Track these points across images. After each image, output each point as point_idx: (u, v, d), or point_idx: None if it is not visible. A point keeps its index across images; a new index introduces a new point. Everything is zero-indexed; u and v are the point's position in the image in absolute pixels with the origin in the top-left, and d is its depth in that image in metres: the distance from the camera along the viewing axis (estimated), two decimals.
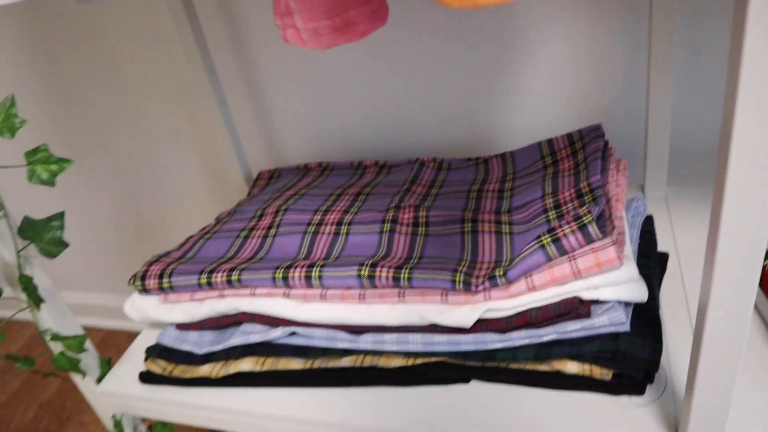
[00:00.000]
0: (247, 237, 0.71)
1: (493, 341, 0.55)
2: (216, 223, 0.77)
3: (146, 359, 0.69)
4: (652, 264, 0.63)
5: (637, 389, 0.54)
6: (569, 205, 0.59)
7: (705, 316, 0.40)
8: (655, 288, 0.60)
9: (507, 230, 0.63)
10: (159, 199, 1.23)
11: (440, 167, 0.81)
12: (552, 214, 0.60)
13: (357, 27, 0.44)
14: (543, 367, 0.56)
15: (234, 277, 0.62)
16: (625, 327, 0.52)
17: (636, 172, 0.89)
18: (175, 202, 1.22)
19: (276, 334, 0.62)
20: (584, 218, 0.52)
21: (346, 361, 0.60)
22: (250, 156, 1.10)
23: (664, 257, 0.68)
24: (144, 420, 0.86)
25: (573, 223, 0.52)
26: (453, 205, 0.70)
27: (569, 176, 0.65)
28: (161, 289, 0.66)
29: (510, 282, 0.53)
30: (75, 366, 0.66)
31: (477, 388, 0.58)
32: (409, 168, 0.81)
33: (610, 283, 0.52)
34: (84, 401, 1.32)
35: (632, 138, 0.87)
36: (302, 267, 0.60)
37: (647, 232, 0.68)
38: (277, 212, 0.73)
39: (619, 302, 0.54)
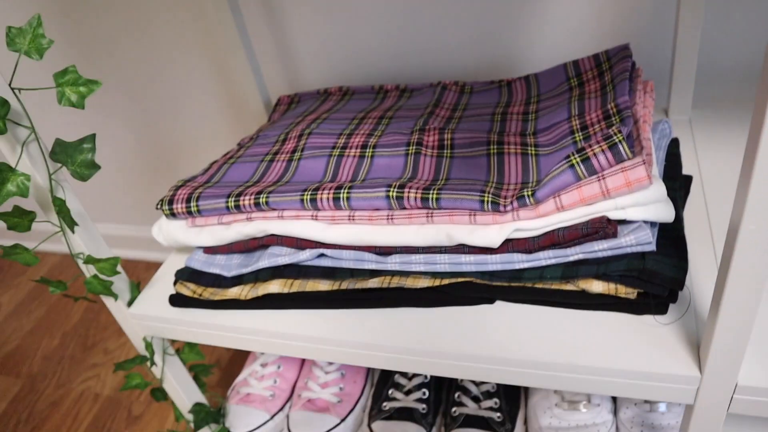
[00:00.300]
0: (271, 161, 0.71)
1: (520, 261, 0.56)
2: (239, 149, 0.77)
3: (176, 282, 0.70)
4: (677, 186, 0.63)
5: (661, 308, 0.55)
6: (596, 126, 0.59)
7: (737, 231, 0.40)
8: (680, 209, 0.61)
9: (533, 152, 0.62)
10: (177, 127, 1.23)
11: (463, 90, 0.80)
12: (579, 136, 0.59)
13: None
14: (568, 287, 0.57)
15: (262, 199, 0.62)
16: (651, 246, 0.53)
17: (660, 95, 0.88)
18: (195, 130, 1.22)
19: (304, 256, 0.62)
20: (614, 137, 0.51)
21: (373, 282, 0.61)
22: (268, 81, 1.09)
23: (688, 179, 0.68)
24: (172, 342, 0.88)
25: (603, 143, 0.52)
26: (478, 127, 0.69)
27: (596, 98, 0.64)
28: (189, 213, 0.67)
29: (539, 202, 0.53)
30: (107, 289, 0.67)
31: (502, 308, 0.59)
32: (431, 91, 0.80)
33: (638, 203, 0.52)
34: (107, 329, 1.35)
35: (659, 59, 0.85)
36: (330, 189, 0.60)
37: (673, 154, 0.68)
38: (300, 136, 0.73)
39: (646, 222, 0.54)
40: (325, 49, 1.01)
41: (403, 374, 0.90)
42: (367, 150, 0.67)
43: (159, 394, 0.83)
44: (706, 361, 0.48)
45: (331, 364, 0.96)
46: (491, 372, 0.57)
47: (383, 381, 0.93)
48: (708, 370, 0.49)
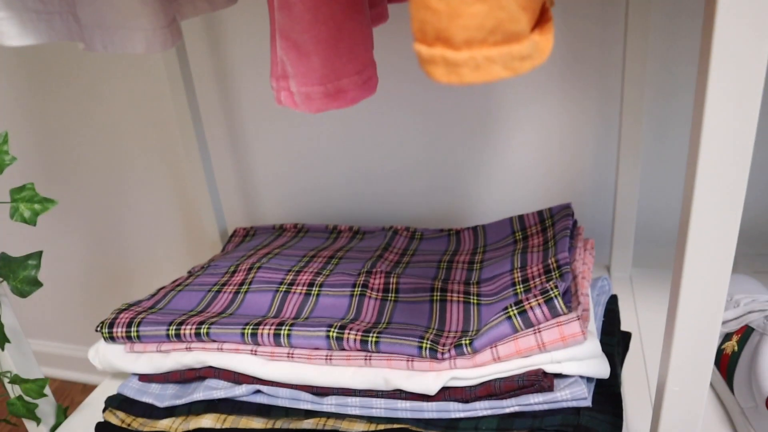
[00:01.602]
0: (218, 292, 0.71)
1: (456, 410, 0.55)
2: (188, 276, 0.77)
3: (105, 409, 0.67)
4: (614, 342, 0.64)
5: None
6: (537, 279, 0.61)
7: (663, 392, 0.41)
8: (617, 365, 0.61)
9: (475, 301, 0.64)
10: (129, 250, 1.22)
11: (413, 236, 0.83)
12: (520, 288, 0.61)
13: (347, 94, 0.46)
14: None
15: (203, 330, 0.62)
16: (587, 402, 0.53)
17: (603, 253, 0.91)
18: (148, 254, 1.22)
19: (240, 392, 0.61)
20: (551, 292, 0.53)
21: (308, 423, 0.60)
22: (227, 212, 1.11)
23: (627, 336, 0.69)
24: None
25: (539, 297, 0.54)
26: (423, 273, 0.71)
27: (538, 252, 0.67)
28: (128, 338, 0.66)
29: (476, 351, 0.54)
30: (31, 412, 0.64)
31: None
32: (383, 235, 0.82)
33: (574, 357, 0.53)
34: None
35: (600, 220, 0.90)
36: (272, 325, 0.60)
37: (611, 310, 0.69)
38: (250, 269, 0.73)
39: (582, 377, 0.55)
40: (283, 187, 1.04)
41: None
42: (314, 288, 0.68)
43: None
44: None
45: None
46: None
47: None
48: None
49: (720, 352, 0.62)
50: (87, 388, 1.46)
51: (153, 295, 0.73)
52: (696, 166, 0.34)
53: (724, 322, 0.64)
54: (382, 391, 0.58)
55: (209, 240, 0.97)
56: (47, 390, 0.66)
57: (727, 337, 0.63)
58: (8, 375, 0.63)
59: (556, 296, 0.53)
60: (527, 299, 0.54)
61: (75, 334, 1.44)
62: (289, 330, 0.60)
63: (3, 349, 0.60)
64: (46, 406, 0.67)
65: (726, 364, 0.61)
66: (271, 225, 0.92)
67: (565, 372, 0.54)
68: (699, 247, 0.36)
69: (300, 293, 0.68)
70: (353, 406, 0.58)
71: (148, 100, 1.04)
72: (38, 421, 0.66)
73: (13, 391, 0.64)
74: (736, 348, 0.61)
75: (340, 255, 0.77)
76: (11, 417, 1.24)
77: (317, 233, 0.88)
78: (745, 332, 0.61)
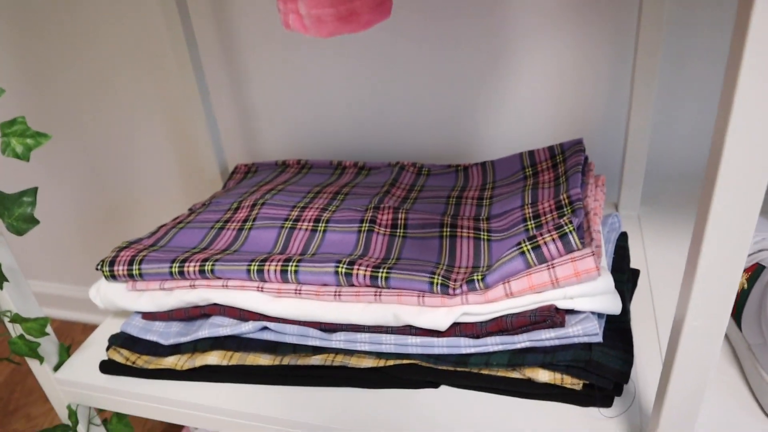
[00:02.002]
0: (221, 229, 0.70)
1: (466, 345, 0.55)
2: (190, 214, 0.75)
3: (108, 348, 0.67)
4: (624, 279, 0.64)
5: (606, 401, 0.54)
6: (548, 216, 0.60)
7: (681, 327, 0.41)
8: (627, 302, 0.61)
9: (485, 237, 0.63)
10: (127, 188, 1.21)
11: (420, 172, 0.81)
12: (531, 224, 0.60)
13: (361, 17, 0.43)
14: (514, 374, 0.56)
15: (207, 267, 0.61)
16: (598, 338, 0.52)
17: (611, 191, 0.90)
18: (147, 192, 1.20)
19: (246, 328, 0.61)
20: (565, 227, 0.52)
21: (316, 359, 0.60)
22: (227, 149, 1.09)
23: (636, 273, 0.69)
24: (99, 412, 0.84)
25: (554, 232, 0.52)
26: (432, 209, 0.70)
27: (549, 188, 0.66)
28: (130, 276, 0.65)
29: (488, 287, 0.53)
30: (33, 351, 0.64)
31: (447, 392, 0.58)
32: (389, 171, 0.80)
33: (586, 293, 0.53)
34: (33, 394, 1.28)
35: (610, 157, 0.88)
36: (278, 261, 0.59)
37: (621, 247, 0.69)
38: (253, 206, 0.72)
39: (593, 313, 0.54)
40: (285, 122, 1.01)
41: None
42: (320, 224, 0.67)
43: None
44: None
45: None
46: None
47: None
48: None
49: None
50: (87, 328, 1.47)
51: (154, 233, 0.72)
52: (731, 105, 0.32)
53: None
54: (392, 327, 0.57)
55: (209, 177, 0.95)
56: (49, 329, 0.65)
57: None
58: (8, 314, 0.62)
59: (570, 231, 0.52)
60: (541, 234, 0.53)
61: (73, 274, 1.44)
62: (296, 266, 0.58)
63: (2, 288, 0.59)
64: (49, 345, 0.67)
65: (735, 301, 0.61)
66: (274, 161, 0.91)
67: (577, 308, 0.53)
68: (729, 180, 0.34)
69: (306, 229, 0.67)
70: (362, 342, 0.58)
71: (143, 35, 1.01)
72: (41, 359, 0.65)
73: (14, 330, 0.64)
74: (745, 285, 0.61)
75: (345, 191, 0.75)
76: (14, 356, 1.24)
77: (321, 169, 0.87)
78: (756, 270, 0.61)
